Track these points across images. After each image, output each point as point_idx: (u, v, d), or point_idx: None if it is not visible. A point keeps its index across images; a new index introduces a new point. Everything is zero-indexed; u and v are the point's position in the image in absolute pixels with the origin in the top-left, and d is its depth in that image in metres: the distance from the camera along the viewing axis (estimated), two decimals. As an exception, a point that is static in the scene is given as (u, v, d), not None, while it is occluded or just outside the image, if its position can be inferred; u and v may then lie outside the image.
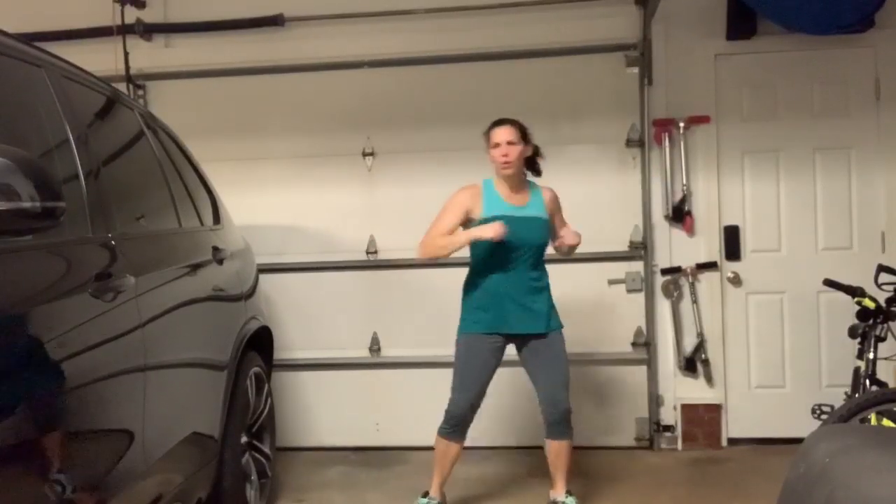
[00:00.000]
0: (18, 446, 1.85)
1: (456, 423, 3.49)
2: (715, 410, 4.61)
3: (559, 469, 3.55)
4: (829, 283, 3.74)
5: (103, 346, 2.23)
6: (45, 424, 1.97)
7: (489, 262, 3.45)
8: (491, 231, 3.29)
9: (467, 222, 3.48)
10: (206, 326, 3.13)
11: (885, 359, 3.51)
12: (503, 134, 3.45)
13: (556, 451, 3.53)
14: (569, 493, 3.58)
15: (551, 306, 3.53)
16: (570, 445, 3.54)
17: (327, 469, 4.46)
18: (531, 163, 3.60)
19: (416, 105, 4.67)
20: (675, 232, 4.62)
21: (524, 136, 3.50)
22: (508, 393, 4.23)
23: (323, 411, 4.80)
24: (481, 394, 3.51)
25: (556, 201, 3.59)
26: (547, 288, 3.53)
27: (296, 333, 4.74)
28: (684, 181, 4.57)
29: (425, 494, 3.61)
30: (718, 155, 4.58)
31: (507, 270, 3.44)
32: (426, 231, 3.49)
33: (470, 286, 3.54)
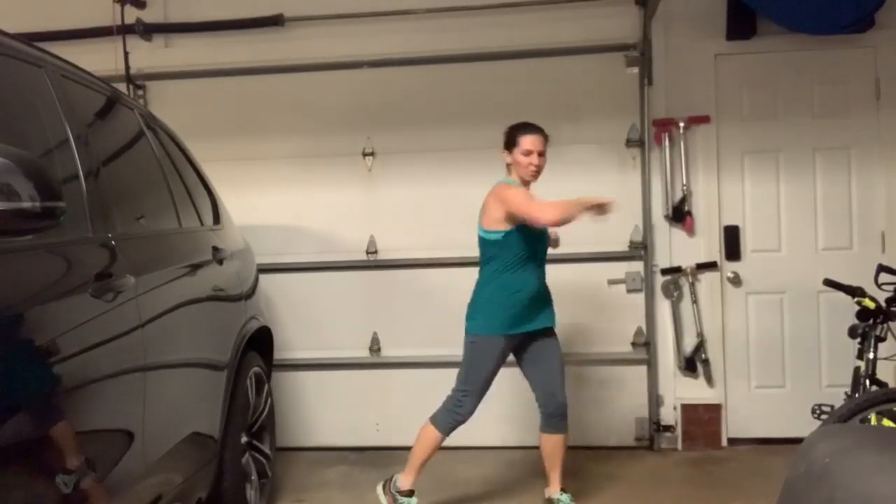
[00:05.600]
0: (19, 446, 1.85)
1: (460, 424, 3.54)
2: (715, 410, 4.61)
3: (554, 465, 3.58)
4: (829, 283, 3.73)
5: (103, 347, 2.22)
6: (45, 424, 1.97)
7: (521, 260, 3.42)
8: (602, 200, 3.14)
9: (505, 221, 3.42)
10: (206, 326, 3.13)
11: (885, 359, 3.50)
12: (538, 143, 3.47)
13: (553, 446, 3.55)
14: (563, 490, 3.59)
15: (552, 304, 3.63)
16: (566, 441, 3.57)
17: (327, 469, 4.46)
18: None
19: (416, 105, 4.67)
20: (675, 232, 4.62)
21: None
22: (510, 393, 4.23)
23: (323, 411, 4.80)
24: (482, 397, 3.55)
25: None
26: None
27: (296, 333, 4.73)
28: (684, 181, 4.57)
29: (410, 493, 3.59)
30: (718, 155, 4.58)
31: (528, 268, 3.45)
32: (521, 209, 3.27)
33: (496, 286, 3.46)
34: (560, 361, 3.58)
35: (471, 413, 3.53)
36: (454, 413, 3.51)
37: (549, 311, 3.60)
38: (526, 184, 3.51)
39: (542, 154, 3.48)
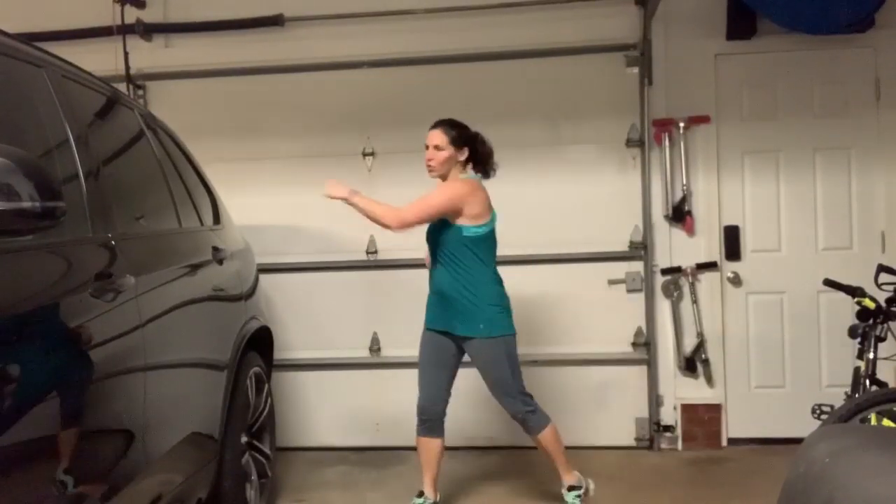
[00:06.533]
0: (19, 446, 1.85)
1: (424, 420, 3.55)
2: (715, 410, 4.61)
3: (551, 459, 3.61)
4: (829, 283, 3.73)
5: (103, 347, 2.22)
6: (44, 424, 1.97)
7: (432, 254, 3.56)
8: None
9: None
10: (206, 326, 3.13)
11: (885, 359, 3.50)
12: (430, 138, 3.49)
13: (537, 444, 3.59)
14: (571, 487, 3.59)
15: (470, 310, 3.41)
16: (547, 436, 3.54)
17: (327, 469, 4.46)
18: (480, 164, 3.56)
19: (416, 105, 4.66)
20: (675, 232, 4.62)
21: (457, 140, 3.47)
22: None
23: (323, 411, 4.80)
24: (440, 389, 3.53)
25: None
26: (462, 288, 3.42)
27: (296, 333, 4.73)
28: (684, 181, 4.57)
29: (420, 494, 3.62)
30: (718, 155, 4.58)
31: (432, 268, 3.55)
32: None
33: None
34: (489, 375, 3.46)
35: (422, 408, 3.54)
36: None
37: (449, 314, 3.45)
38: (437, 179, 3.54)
39: (438, 147, 3.45)
